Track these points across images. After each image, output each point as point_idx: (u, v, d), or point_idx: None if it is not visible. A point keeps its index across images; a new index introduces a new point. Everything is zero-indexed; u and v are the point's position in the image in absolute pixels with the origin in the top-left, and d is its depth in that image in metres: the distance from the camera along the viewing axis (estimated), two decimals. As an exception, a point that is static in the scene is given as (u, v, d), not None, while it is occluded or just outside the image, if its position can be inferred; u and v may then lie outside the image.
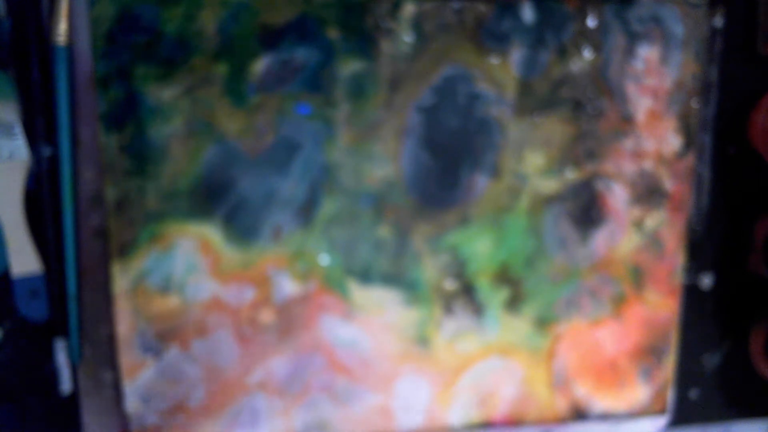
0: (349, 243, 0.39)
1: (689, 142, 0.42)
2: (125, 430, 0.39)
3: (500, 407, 0.43)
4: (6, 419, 0.38)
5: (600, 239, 0.42)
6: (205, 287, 0.38)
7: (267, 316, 0.39)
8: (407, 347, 0.41)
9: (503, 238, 0.41)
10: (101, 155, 0.36)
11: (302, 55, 0.37)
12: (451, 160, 0.40)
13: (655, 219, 0.43)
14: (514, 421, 0.43)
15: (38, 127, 0.36)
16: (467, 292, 0.41)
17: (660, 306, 0.44)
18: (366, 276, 0.40)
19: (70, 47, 0.35)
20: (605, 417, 0.44)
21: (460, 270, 0.41)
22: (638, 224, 0.43)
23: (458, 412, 0.42)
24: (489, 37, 0.39)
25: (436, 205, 0.40)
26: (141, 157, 0.36)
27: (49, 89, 0.35)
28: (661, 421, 0.46)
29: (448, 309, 0.41)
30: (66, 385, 0.38)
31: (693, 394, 0.46)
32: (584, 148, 0.41)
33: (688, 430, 0.47)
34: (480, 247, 0.41)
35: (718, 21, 0.42)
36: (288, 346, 0.40)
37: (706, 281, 0.45)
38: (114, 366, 0.39)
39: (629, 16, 0.40)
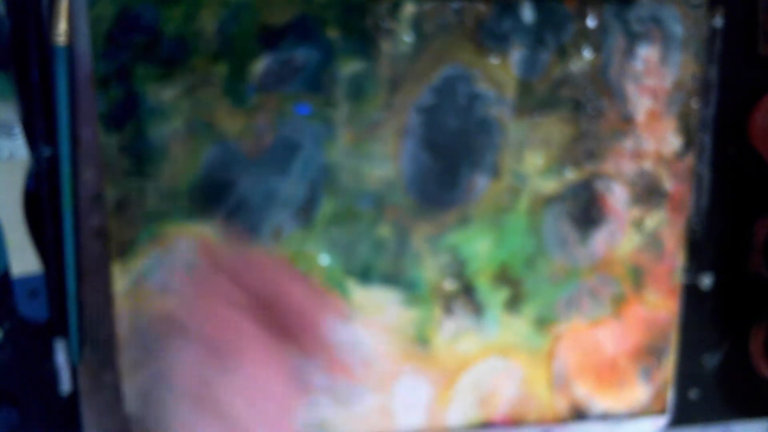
0: (349, 243, 0.39)
1: (689, 142, 0.42)
2: None
3: (500, 407, 0.43)
4: (6, 419, 0.38)
5: (600, 239, 0.42)
6: (205, 287, 0.38)
7: (267, 316, 0.39)
8: (407, 347, 0.41)
9: (503, 238, 0.41)
10: (101, 155, 0.36)
11: (302, 55, 0.37)
12: (451, 160, 0.40)
13: (655, 219, 0.43)
14: (514, 421, 0.43)
15: (38, 127, 0.36)
16: (467, 292, 0.41)
17: (660, 306, 0.44)
18: (366, 276, 0.40)
19: (70, 47, 0.35)
20: (605, 417, 0.44)
21: (459, 270, 0.41)
22: (638, 224, 0.43)
23: (458, 412, 0.42)
24: (489, 37, 0.39)
25: (435, 205, 0.40)
26: (141, 157, 0.36)
27: (49, 89, 0.35)
28: (661, 421, 0.46)
29: (448, 309, 0.41)
30: (66, 385, 0.38)
31: (693, 394, 0.46)
32: (584, 148, 0.41)
33: (688, 430, 0.47)
34: (480, 247, 0.41)
35: (718, 21, 0.42)
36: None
37: (706, 281, 0.45)
38: (114, 366, 0.39)
39: (629, 16, 0.40)
